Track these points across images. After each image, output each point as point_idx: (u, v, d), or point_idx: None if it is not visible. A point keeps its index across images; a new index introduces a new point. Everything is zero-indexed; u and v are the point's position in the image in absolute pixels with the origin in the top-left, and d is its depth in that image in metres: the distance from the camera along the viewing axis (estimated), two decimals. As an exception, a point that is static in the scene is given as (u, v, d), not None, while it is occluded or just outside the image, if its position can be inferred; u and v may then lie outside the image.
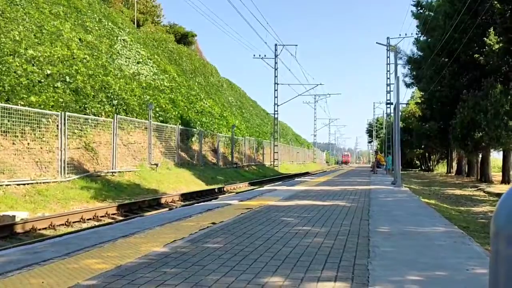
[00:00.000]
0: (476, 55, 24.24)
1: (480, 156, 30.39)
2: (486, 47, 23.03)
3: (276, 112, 45.27)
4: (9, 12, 21.52)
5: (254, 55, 46.80)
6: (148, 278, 3.53)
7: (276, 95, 44.83)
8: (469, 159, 35.05)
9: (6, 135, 13.91)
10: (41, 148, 15.12)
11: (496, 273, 1.14)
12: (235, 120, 42.45)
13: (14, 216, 9.96)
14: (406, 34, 35.41)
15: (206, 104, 37.88)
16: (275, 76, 44.74)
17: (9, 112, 13.83)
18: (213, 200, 11.83)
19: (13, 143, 14.17)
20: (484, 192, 20.49)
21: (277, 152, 44.52)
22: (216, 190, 20.56)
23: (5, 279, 3.53)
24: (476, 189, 22.42)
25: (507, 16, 22.28)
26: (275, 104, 44.95)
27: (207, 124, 32.72)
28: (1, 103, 14.07)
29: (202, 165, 26.86)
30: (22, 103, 15.27)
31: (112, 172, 17.71)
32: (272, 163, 44.44)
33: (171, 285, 3.34)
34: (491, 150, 28.65)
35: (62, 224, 10.71)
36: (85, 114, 18.04)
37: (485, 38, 23.01)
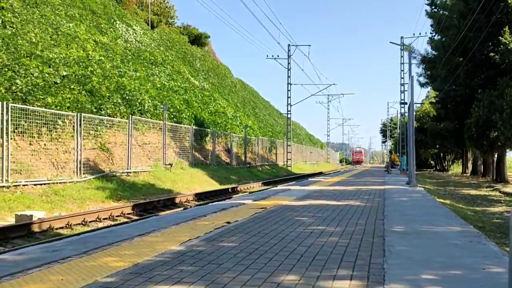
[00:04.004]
0: (491, 54, 23.98)
1: (496, 155, 30.05)
2: (501, 46, 22.79)
3: (289, 112, 45.27)
4: (26, 14, 21.84)
5: (267, 56, 46.73)
6: (165, 276, 3.58)
7: (289, 95, 44.84)
8: (485, 159, 34.68)
9: (23, 135, 14.12)
10: (57, 148, 15.32)
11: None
12: (248, 120, 42.51)
13: (31, 216, 10.10)
14: (420, 34, 35.22)
15: (220, 104, 38.00)
16: (288, 76, 44.73)
17: (26, 113, 14.02)
18: (227, 200, 11.88)
19: (30, 144, 14.38)
20: (500, 192, 20.26)
21: (290, 152, 44.50)
22: (229, 189, 20.63)
23: (25, 276, 3.62)
24: (491, 189, 22.18)
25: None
26: (288, 104, 44.95)
27: (221, 124, 32.82)
28: (18, 104, 14.27)
29: (215, 165, 26.96)
30: (38, 104, 15.47)
31: (127, 172, 17.87)
32: (285, 163, 44.41)
33: (188, 283, 3.38)
34: (507, 150, 28.31)
35: (79, 224, 10.85)
36: (100, 115, 18.22)
37: (500, 37, 22.76)
